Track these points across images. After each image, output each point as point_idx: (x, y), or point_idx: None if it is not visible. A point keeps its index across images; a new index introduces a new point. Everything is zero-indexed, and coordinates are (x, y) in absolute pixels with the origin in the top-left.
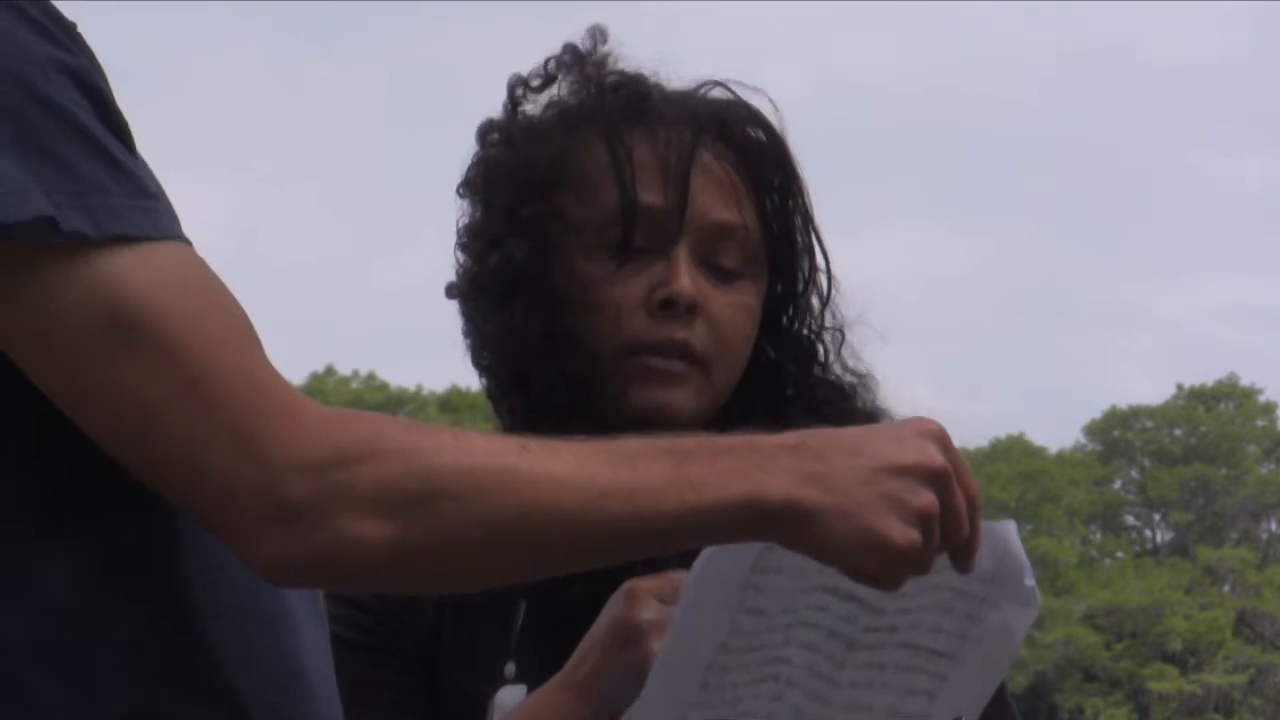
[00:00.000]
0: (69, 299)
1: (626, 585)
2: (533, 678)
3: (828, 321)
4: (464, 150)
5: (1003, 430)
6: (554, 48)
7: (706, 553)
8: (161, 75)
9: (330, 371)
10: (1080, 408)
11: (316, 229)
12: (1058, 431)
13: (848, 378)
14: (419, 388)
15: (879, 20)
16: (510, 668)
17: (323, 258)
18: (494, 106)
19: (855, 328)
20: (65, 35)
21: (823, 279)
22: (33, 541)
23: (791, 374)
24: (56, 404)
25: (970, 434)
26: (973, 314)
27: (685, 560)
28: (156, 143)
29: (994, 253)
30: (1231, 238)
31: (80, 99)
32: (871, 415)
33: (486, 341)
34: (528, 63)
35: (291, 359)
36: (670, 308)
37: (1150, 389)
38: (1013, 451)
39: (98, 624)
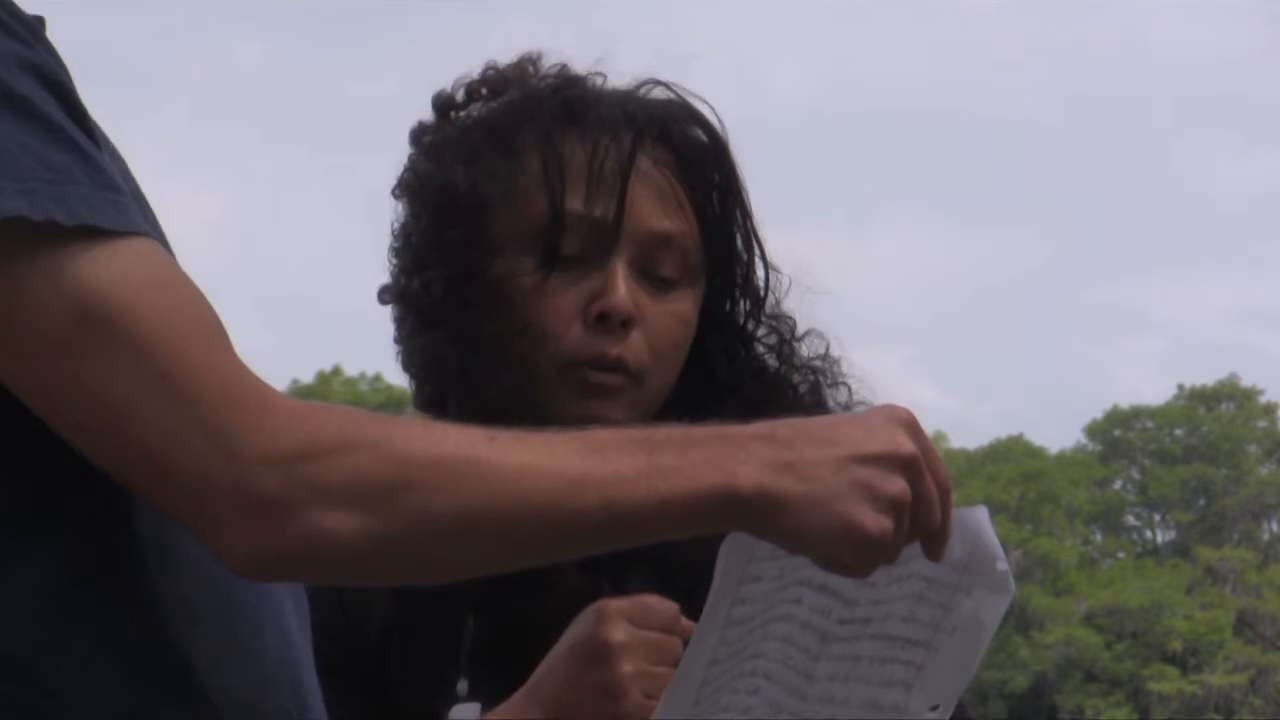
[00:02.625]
0: (37, 294)
1: (596, 604)
2: (486, 694)
3: (768, 317)
4: None
5: (1003, 430)
6: (553, 47)
7: (717, 594)
8: (163, 75)
9: (337, 372)
10: (1081, 408)
11: (325, 230)
12: (1058, 432)
13: (799, 371)
14: None
15: (882, 18)
16: (463, 685)
17: (332, 258)
18: None
19: (802, 314)
20: (28, 33)
21: (760, 276)
22: (6, 543)
23: (730, 371)
24: (26, 401)
25: (971, 434)
26: (974, 313)
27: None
28: (162, 142)
29: (995, 252)
30: (1233, 238)
31: (46, 95)
32: (822, 405)
33: (410, 359)
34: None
35: (301, 359)
36: (606, 321)
37: (1151, 389)
38: (1013, 452)
39: (74, 626)
